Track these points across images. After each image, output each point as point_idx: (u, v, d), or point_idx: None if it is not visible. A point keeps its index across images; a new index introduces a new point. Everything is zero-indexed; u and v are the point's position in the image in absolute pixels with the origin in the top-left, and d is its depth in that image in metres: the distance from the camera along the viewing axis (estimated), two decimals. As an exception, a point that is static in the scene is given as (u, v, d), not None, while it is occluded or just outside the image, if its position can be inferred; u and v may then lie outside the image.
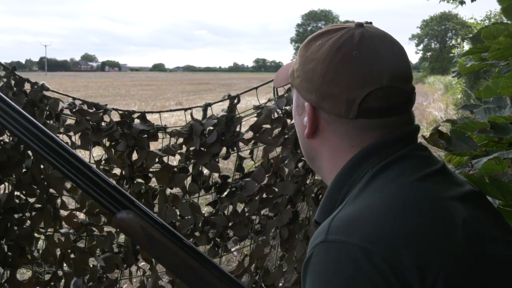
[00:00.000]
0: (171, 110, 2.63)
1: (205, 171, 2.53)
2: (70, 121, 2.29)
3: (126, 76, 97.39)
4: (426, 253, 0.89)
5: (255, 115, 2.52)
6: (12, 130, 1.25)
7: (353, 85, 1.05)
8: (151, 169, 2.42)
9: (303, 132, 1.16)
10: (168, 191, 2.46)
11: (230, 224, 2.58)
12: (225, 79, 73.74)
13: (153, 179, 2.45)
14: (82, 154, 2.42)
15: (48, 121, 2.24)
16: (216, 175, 2.56)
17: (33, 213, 2.29)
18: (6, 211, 2.22)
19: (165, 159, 2.44)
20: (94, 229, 2.39)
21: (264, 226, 2.67)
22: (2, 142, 2.18)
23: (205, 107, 2.50)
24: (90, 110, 2.30)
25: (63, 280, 2.38)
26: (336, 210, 1.01)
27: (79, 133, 2.29)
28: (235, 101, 2.50)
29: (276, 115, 2.51)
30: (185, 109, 2.50)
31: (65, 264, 2.37)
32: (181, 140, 2.45)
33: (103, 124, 2.31)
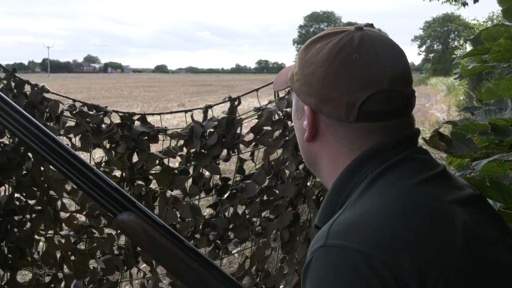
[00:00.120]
0: (171, 112, 2.63)
1: (206, 173, 2.53)
2: (71, 123, 2.29)
3: (128, 77, 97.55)
4: (427, 256, 0.88)
5: (256, 117, 2.52)
6: (13, 130, 1.25)
7: (353, 88, 1.04)
8: (151, 171, 2.41)
9: (302, 135, 1.15)
10: (169, 193, 2.45)
11: (230, 226, 2.57)
12: (228, 80, 73.76)
13: (154, 181, 2.44)
14: (83, 156, 2.42)
15: (48, 123, 2.24)
16: (216, 177, 2.56)
17: (33, 215, 2.28)
18: (6, 213, 2.22)
19: (165, 161, 2.44)
20: (94, 231, 2.38)
21: (265, 228, 2.66)
22: (2, 144, 2.18)
23: (205, 109, 2.50)
24: (90, 112, 2.29)
25: (63, 282, 2.37)
26: (336, 214, 1.01)
27: (79, 135, 2.28)
28: (236, 103, 2.50)
29: (277, 117, 2.50)
30: (186, 111, 2.50)
31: (65, 266, 2.36)
32: (181, 142, 2.44)
33: (103, 126, 2.31)
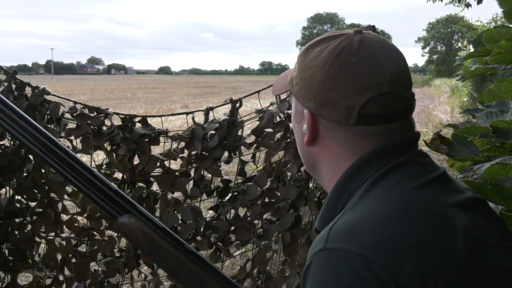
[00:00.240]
0: (172, 114, 2.62)
1: (208, 176, 2.52)
2: (71, 125, 2.29)
3: (132, 79, 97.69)
4: (427, 260, 0.88)
5: (257, 119, 2.51)
6: (13, 133, 1.24)
7: (352, 91, 1.03)
8: (152, 173, 2.41)
9: (302, 139, 1.15)
10: (170, 195, 2.45)
11: (232, 228, 2.57)
12: (231, 82, 73.80)
13: (155, 183, 2.44)
14: (83, 158, 2.42)
15: (49, 125, 2.23)
16: (218, 179, 2.55)
17: (34, 217, 2.28)
18: (7, 215, 2.22)
19: (166, 163, 2.44)
20: (95, 233, 2.38)
21: (266, 231, 2.66)
22: (3, 147, 2.18)
23: (207, 111, 2.49)
24: (91, 114, 2.29)
25: (64, 285, 2.37)
26: (336, 217, 1.00)
27: (80, 137, 2.28)
28: (237, 105, 2.49)
29: (278, 119, 2.49)
30: (187, 113, 2.49)
31: (66, 269, 2.36)
32: (182, 144, 2.44)
33: (104, 128, 2.31)
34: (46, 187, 2.25)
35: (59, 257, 2.34)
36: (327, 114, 1.07)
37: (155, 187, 2.45)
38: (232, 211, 2.57)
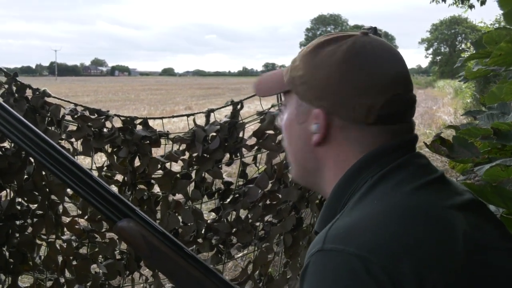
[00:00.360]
0: (173, 116, 2.63)
1: (209, 178, 2.52)
2: (72, 127, 2.28)
3: (135, 80, 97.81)
4: (426, 261, 0.87)
5: (259, 121, 2.51)
6: (11, 137, 1.24)
7: (372, 90, 1.04)
8: (153, 176, 2.41)
9: (306, 141, 1.12)
10: (171, 197, 2.45)
11: (233, 230, 2.56)
12: (235, 83, 73.77)
13: (156, 186, 2.44)
14: (84, 160, 2.42)
15: (49, 128, 2.23)
16: (219, 181, 2.55)
17: (35, 219, 2.28)
18: (8, 218, 2.22)
19: (167, 165, 2.43)
20: (96, 235, 2.38)
21: (267, 233, 2.65)
22: (3, 149, 2.18)
23: (208, 113, 2.49)
24: (92, 116, 2.29)
25: (65, 287, 2.37)
26: (334, 219, 1.00)
27: (81, 140, 2.28)
28: (238, 107, 2.49)
29: (279, 121, 2.49)
30: (188, 115, 2.49)
31: (67, 271, 2.36)
32: (183, 146, 2.44)
33: (105, 130, 2.30)
34: (47, 189, 2.25)
35: (60, 259, 2.35)
36: (345, 113, 1.06)
37: (156, 189, 2.45)
38: (233, 213, 2.56)
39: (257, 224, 2.65)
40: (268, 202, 2.60)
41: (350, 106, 1.05)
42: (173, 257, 1.27)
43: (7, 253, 2.26)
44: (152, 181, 2.42)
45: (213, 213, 2.60)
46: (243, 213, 2.59)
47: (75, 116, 2.26)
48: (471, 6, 15.85)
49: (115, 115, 2.34)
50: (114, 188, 2.40)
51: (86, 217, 2.32)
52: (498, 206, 1.56)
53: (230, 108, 2.51)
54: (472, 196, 1.10)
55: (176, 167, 2.53)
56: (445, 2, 17.13)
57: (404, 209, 0.95)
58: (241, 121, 2.48)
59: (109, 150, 2.33)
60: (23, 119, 1.25)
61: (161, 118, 2.49)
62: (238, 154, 2.54)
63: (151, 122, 2.41)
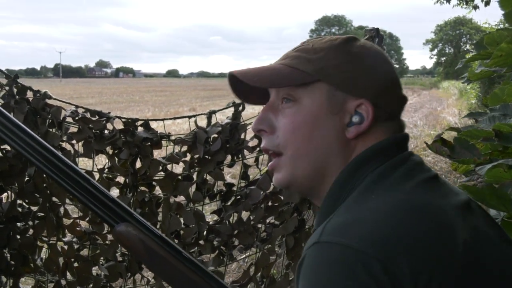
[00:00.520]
0: (174, 118, 2.62)
1: (210, 179, 2.51)
2: (73, 129, 2.28)
3: (140, 82, 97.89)
4: (421, 257, 0.87)
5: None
6: (6, 140, 1.23)
7: (398, 85, 1.13)
8: (154, 177, 2.40)
9: (338, 132, 1.09)
10: (172, 199, 2.44)
11: (235, 232, 2.56)
12: (239, 85, 73.35)
13: (157, 187, 2.43)
14: (86, 162, 2.41)
15: (50, 130, 2.23)
16: (220, 183, 2.54)
17: (36, 221, 2.28)
18: (9, 220, 2.22)
19: (169, 167, 2.43)
20: (97, 237, 2.38)
21: (269, 235, 2.65)
22: (4, 151, 2.18)
23: (209, 115, 2.48)
24: (93, 118, 2.29)
25: (66, 289, 2.36)
26: (332, 214, 0.99)
27: (82, 141, 2.27)
28: (240, 108, 2.48)
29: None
30: (189, 117, 2.49)
31: (68, 273, 2.36)
32: (185, 148, 2.43)
33: (106, 132, 2.30)
34: (48, 191, 2.25)
35: (61, 261, 2.34)
36: (387, 105, 1.09)
37: (157, 191, 2.45)
38: (235, 215, 2.55)
39: (259, 226, 2.64)
40: (270, 203, 2.59)
41: (389, 99, 1.09)
42: (171, 261, 1.26)
43: (8, 255, 2.26)
44: (154, 183, 2.42)
45: (215, 215, 2.60)
46: (245, 215, 2.58)
47: (76, 118, 2.25)
48: (476, 7, 15.82)
49: (116, 116, 2.33)
50: (116, 190, 2.40)
51: (87, 219, 2.32)
52: (498, 210, 1.55)
53: (231, 109, 2.50)
54: (468, 197, 1.09)
55: (178, 169, 2.53)
56: (449, 3, 17.12)
57: (402, 206, 0.94)
58: (242, 123, 2.48)
59: (110, 152, 2.33)
60: (17, 121, 1.24)
61: (163, 119, 2.48)
62: (240, 156, 2.53)
63: (154, 124, 2.41)
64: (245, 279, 2.64)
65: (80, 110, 2.29)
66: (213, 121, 2.49)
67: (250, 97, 1.27)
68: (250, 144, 2.50)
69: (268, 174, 2.51)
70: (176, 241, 2.45)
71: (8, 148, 2.19)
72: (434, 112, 21.61)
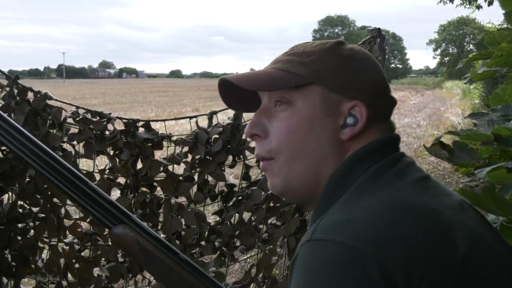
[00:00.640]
0: (176, 119, 2.62)
1: (212, 180, 2.51)
2: (74, 130, 2.28)
3: (143, 82, 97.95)
4: (416, 256, 0.87)
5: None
6: (3, 142, 1.23)
7: (388, 87, 1.14)
8: (156, 178, 2.40)
9: (332, 134, 1.09)
10: (173, 200, 2.44)
11: (236, 233, 2.55)
12: (242, 85, 73.33)
13: (158, 188, 2.43)
14: (87, 163, 2.41)
15: (51, 130, 2.23)
16: (222, 183, 2.54)
17: (37, 222, 2.28)
18: (10, 221, 2.22)
19: (170, 167, 2.42)
20: (98, 238, 2.38)
21: (271, 235, 2.64)
22: (4, 152, 2.18)
23: (210, 115, 2.48)
24: (94, 119, 2.29)
25: (67, 290, 2.36)
26: (324, 214, 0.99)
27: (83, 142, 2.27)
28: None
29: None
30: (190, 117, 2.48)
31: (69, 274, 2.35)
32: (186, 148, 2.43)
33: (107, 133, 2.30)
34: (49, 192, 2.25)
35: (62, 262, 2.34)
36: (380, 106, 1.10)
37: (158, 192, 2.44)
38: (237, 215, 2.55)
39: (261, 226, 2.64)
40: (271, 204, 2.59)
41: (381, 100, 1.10)
42: (168, 263, 1.26)
43: (9, 256, 2.26)
44: (155, 183, 2.42)
45: (216, 216, 2.60)
46: (246, 216, 2.58)
47: (77, 119, 2.25)
48: (479, 7, 15.81)
49: (117, 117, 2.33)
50: (117, 191, 2.40)
51: (88, 220, 2.32)
52: (497, 214, 1.54)
53: (231, 110, 2.50)
54: (460, 198, 1.09)
55: (179, 169, 2.52)
56: (452, 3, 17.11)
57: (395, 205, 0.94)
58: (244, 123, 2.47)
59: (111, 152, 2.33)
60: (13, 122, 1.23)
61: (164, 120, 2.48)
62: (241, 156, 2.53)
63: (156, 125, 2.41)
64: (247, 280, 2.64)
65: (81, 111, 2.29)
66: (214, 121, 2.48)
67: (239, 104, 1.27)
68: (252, 144, 2.50)
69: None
70: (177, 242, 2.45)
71: (9, 149, 2.19)
72: (438, 112, 21.59)
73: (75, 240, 2.36)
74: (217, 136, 2.43)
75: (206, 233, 2.49)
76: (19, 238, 2.25)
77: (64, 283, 2.35)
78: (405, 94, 40.70)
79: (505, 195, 1.57)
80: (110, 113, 2.34)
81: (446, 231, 0.93)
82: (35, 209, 2.28)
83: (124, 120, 2.33)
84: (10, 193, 2.24)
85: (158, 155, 2.47)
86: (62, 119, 2.24)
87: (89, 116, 2.29)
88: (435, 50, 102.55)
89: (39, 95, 2.22)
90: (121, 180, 2.38)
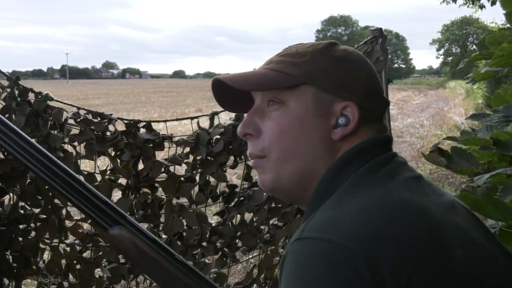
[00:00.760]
0: (177, 119, 2.61)
1: (213, 181, 2.51)
2: (75, 131, 2.28)
3: (146, 83, 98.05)
4: (406, 256, 0.87)
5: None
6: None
7: (381, 88, 1.14)
8: (157, 179, 2.39)
9: (324, 134, 1.09)
10: (175, 201, 2.43)
11: (238, 234, 2.55)
12: (245, 85, 73.30)
13: (159, 189, 2.43)
14: (89, 164, 2.41)
15: (52, 131, 2.23)
16: (223, 184, 2.54)
17: (38, 223, 2.28)
18: (11, 222, 2.21)
19: (171, 168, 2.42)
20: (99, 239, 2.37)
21: (273, 236, 2.64)
22: (5, 153, 2.17)
23: (212, 116, 2.48)
24: (95, 120, 2.28)
25: (68, 291, 2.36)
26: (314, 213, 0.99)
27: (84, 143, 2.27)
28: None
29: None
30: (192, 118, 2.48)
31: (70, 275, 2.35)
32: (187, 149, 2.42)
33: (108, 133, 2.30)
34: (50, 194, 2.25)
35: (63, 263, 2.34)
36: (372, 106, 1.11)
37: (160, 193, 2.44)
38: (238, 216, 2.55)
39: (262, 227, 2.63)
40: (273, 205, 2.59)
41: (374, 101, 1.11)
42: (164, 264, 1.27)
43: (10, 258, 2.26)
44: (156, 184, 2.41)
45: (218, 217, 2.59)
46: (248, 217, 2.57)
47: (78, 120, 2.25)
48: (482, 6, 15.79)
49: (118, 118, 2.33)
50: (118, 192, 2.40)
51: (89, 221, 2.31)
52: (496, 219, 1.54)
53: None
54: (453, 198, 1.10)
55: (180, 170, 2.52)
56: (455, 3, 17.09)
57: (386, 204, 0.95)
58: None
59: (112, 153, 2.32)
60: (7, 121, 1.23)
61: (165, 121, 2.48)
62: (243, 157, 2.53)
63: (160, 125, 2.40)
64: (249, 281, 2.63)
65: (82, 112, 2.29)
66: (216, 122, 2.48)
67: (233, 104, 1.28)
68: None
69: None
70: (179, 243, 2.45)
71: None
72: (441, 112, 21.57)
73: (77, 241, 2.36)
74: (218, 136, 2.43)
75: (208, 234, 2.49)
76: (20, 239, 2.25)
77: (66, 284, 2.35)
78: (408, 94, 40.69)
79: (507, 196, 1.56)
80: (111, 114, 2.34)
81: (437, 231, 0.93)
82: (36, 210, 2.28)
83: (125, 121, 2.33)
84: (11, 194, 2.23)
85: (162, 155, 2.46)
86: (63, 120, 2.24)
87: (90, 117, 2.28)
88: (438, 50, 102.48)
89: (40, 96, 2.22)
90: (123, 181, 2.38)
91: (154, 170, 2.36)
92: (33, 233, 2.28)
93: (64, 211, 2.31)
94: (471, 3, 16.45)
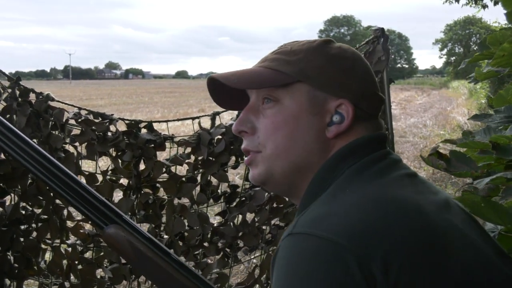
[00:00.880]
0: (179, 119, 2.62)
1: (215, 181, 2.50)
2: (76, 131, 2.28)
3: (149, 83, 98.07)
4: (396, 252, 0.87)
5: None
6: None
7: (376, 86, 1.14)
8: (158, 179, 2.39)
9: (318, 132, 1.09)
10: (176, 201, 2.43)
11: (239, 234, 2.55)
12: (248, 85, 73.36)
13: (161, 189, 2.43)
14: (91, 164, 2.41)
15: (53, 132, 2.23)
16: (225, 184, 2.53)
17: (39, 224, 2.28)
18: (12, 223, 2.22)
19: (172, 169, 2.42)
20: (101, 240, 2.37)
21: (274, 236, 2.64)
22: (6, 154, 2.17)
23: (213, 116, 2.48)
24: (96, 120, 2.28)
25: (70, 292, 2.36)
26: (306, 209, 0.99)
27: (85, 143, 2.27)
28: (244, 109, 2.47)
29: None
30: (193, 118, 2.48)
31: (72, 276, 2.35)
32: (189, 149, 2.42)
33: (109, 134, 2.30)
34: (51, 194, 2.25)
35: (64, 264, 2.34)
36: (367, 104, 1.11)
37: (161, 193, 2.44)
38: (240, 216, 2.55)
39: (264, 227, 2.63)
40: (274, 205, 2.59)
41: (369, 99, 1.11)
42: (160, 263, 1.27)
43: (11, 258, 2.26)
44: (157, 184, 2.41)
45: (219, 217, 2.59)
46: (249, 217, 2.57)
47: (79, 120, 2.25)
48: (484, 6, 15.77)
49: (120, 118, 2.32)
50: (119, 192, 2.40)
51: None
52: (495, 223, 1.53)
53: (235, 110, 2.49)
54: (447, 196, 1.10)
55: (182, 170, 2.52)
56: (458, 2, 17.07)
57: (378, 201, 0.95)
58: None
59: (114, 154, 2.32)
60: (3, 119, 1.23)
61: (166, 121, 2.48)
62: (244, 157, 2.52)
63: (162, 126, 2.40)
64: (250, 281, 2.63)
65: (83, 112, 2.29)
66: (217, 122, 2.48)
67: (229, 102, 1.29)
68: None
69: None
70: (180, 243, 2.45)
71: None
72: (444, 112, 21.53)
73: (78, 242, 2.36)
74: (220, 137, 2.43)
75: (209, 234, 2.49)
76: (22, 239, 2.25)
77: (67, 284, 2.35)
78: (412, 94, 40.64)
79: (509, 197, 1.56)
80: (112, 114, 2.34)
81: (432, 230, 0.93)
82: (37, 211, 2.28)
83: (127, 121, 2.32)
84: (12, 195, 2.24)
85: (164, 156, 2.46)
86: (64, 120, 2.24)
87: (91, 117, 2.28)
88: (441, 49, 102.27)
89: (41, 97, 2.22)
90: (124, 181, 2.38)
91: (156, 170, 2.36)
92: (34, 234, 2.29)
93: (65, 212, 2.31)
94: (473, 2, 16.44)
